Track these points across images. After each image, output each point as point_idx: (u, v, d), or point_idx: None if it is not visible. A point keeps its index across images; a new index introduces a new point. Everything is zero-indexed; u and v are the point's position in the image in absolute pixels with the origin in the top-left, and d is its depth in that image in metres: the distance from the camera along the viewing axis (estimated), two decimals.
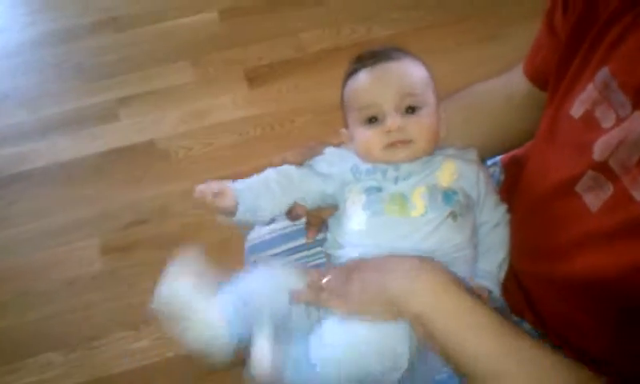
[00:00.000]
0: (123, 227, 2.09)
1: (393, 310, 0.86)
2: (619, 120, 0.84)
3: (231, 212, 0.98)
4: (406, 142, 0.99)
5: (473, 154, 1.05)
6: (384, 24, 2.62)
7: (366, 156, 1.02)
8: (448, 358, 0.85)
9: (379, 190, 0.98)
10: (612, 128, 0.84)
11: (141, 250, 2.04)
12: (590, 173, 0.86)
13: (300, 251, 1.19)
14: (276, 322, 0.90)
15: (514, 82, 1.14)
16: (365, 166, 1.01)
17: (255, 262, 1.24)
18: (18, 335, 1.89)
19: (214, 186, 0.98)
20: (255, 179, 1.01)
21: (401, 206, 0.96)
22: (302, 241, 1.17)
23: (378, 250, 0.95)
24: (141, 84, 2.47)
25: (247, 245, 1.28)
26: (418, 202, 0.96)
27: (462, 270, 0.95)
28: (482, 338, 0.83)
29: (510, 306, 1.05)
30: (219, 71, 2.52)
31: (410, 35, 2.55)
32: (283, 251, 1.21)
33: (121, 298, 1.94)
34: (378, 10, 2.67)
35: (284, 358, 0.87)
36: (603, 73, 0.87)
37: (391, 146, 0.99)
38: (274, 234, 1.23)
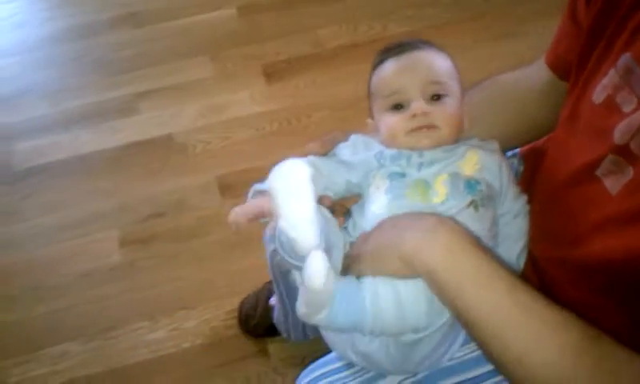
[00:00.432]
0: (142, 220, 2.11)
1: (407, 267, 0.86)
2: None
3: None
4: (431, 128, 1.00)
5: (494, 145, 1.06)
6: (400, 21, 2.63)
7: (391, 142, 1.02)
8: (460, 317, 0.84)
9: (402, 175, 0.99)
10: (633, 112, 0.85)
11: (159, 242, 2.06)
12: (611, 157, 0.87)
13: None
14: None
15: (536, 73, 1.16)
16: (390, 152, 1.01)
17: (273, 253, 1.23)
18: (33, 327, 1.91)
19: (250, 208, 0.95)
20: None
21: (423, 193, 0.97)
22: None
23: None
24: (160, 79, 2.49)
25: (267, 233, 1.28)
26: (440, 189, 0.97)
27: None
28: (497, 298, 0.81)
29: None
30: (237, 66, 2.54)
31: (426, 32, 2.55)
32: None
33: (138, 289, 1.97)
34: (395, 7, 2.68)
35: (336, 285, 0.86)
36: (625, 58, 0.88)
37: (415, 131, 1.00)
38: None
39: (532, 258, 1.04)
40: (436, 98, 1.02)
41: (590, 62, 0.96)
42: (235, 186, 2.16)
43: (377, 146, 1.03)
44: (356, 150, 1.05)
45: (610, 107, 0.89)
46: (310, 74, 2.49)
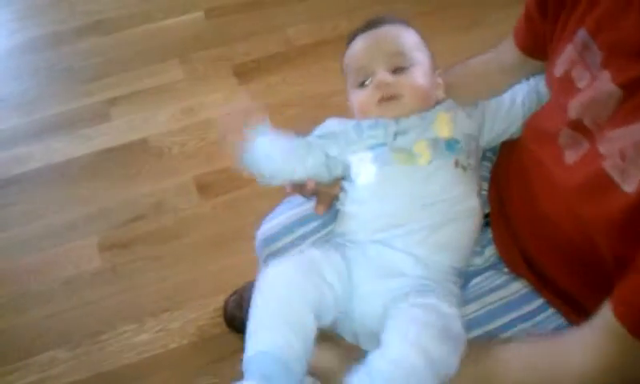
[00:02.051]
0: (120, 224, 2.12)
1: None
2: (593, 79, 0.90)
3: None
4: (396, 97, 1.06)
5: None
6: (367, 16, 2.63)
7: (362, 115, 1.08)
8: None
9: (383, 144, 1.03)
10: (586, 88, 0.91)
11: (139, 245, 2.07)
12: (567, 130, 0.92)
13: (314, 234, 1.19)
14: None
15: (505, 53, 1.20)
16: (367, 123, 1.06)
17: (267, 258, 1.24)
18: (20, 335, 1.90)
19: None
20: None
21: (408, 157, 1.01)
22: (315, 224, 1.19)
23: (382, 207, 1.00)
24: (131, 84, 2.50)
25: (259, 238, 1.26)
26: (423, 152, 1.01)
27: (469, 229, 1.01)
28: None
29: (509, 265, 1.10)
30: (208, 69, 2.55)
31: None
32: (297, 238, 1.19)
33: (122, 293, 1.97)
34: (361, 2, 2.70)
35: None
36: (582, 33, 0.93)
37: (382, 101, 1.06)
38: (285, 223, 1.22)
39: (511, 229, 1.09)
40: (400, 70, 1.07)
41: (554, 37, 1.01)
42: (213, 186, 2.17)
43: (352, 121, 1.08)
44: (331, 126, 1.10)
45: (567, 82, 0.95)
46: (281, 73, 2.51)
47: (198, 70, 2.55)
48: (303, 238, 1.19)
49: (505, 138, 1.14)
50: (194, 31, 2.70)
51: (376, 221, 1.01)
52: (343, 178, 1.09)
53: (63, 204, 2.18)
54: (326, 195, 1.12)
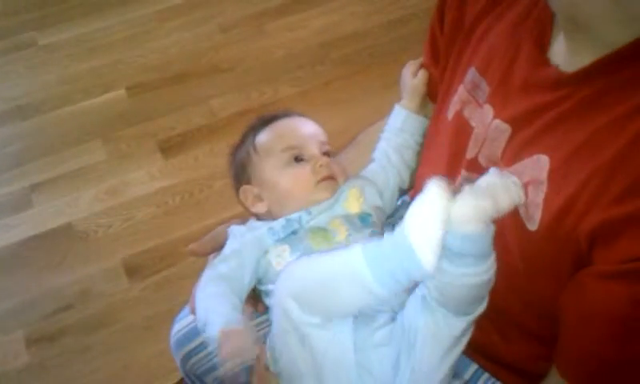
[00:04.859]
0: (47, 316, 2.02)
1: None
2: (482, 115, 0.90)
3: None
4: (333, 178, 1.04)
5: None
6: (290, 82, 2.65)
7: (296, 193, 1.03)
8: None
9: (296, 232, 0.99)
10: (479, 125, 0.91)
11: (67, 336, 1.98)
12: (464, 173, 0.92)
13: None
14: None
15: None
16: (279, 224, 1.01)
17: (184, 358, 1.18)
18: None
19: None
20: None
21: (324, 237, 0.98)
22: None
23: None
24: (52, 168, 2.43)
25: (172, 340, 1.21)
26: (339, 229, 0.99)
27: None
28: None
29: None
30: (132, 146, 2.50)
31: (318, 90, 2.60)
32: None
33: None
34: (284, 70, 2.71)
35: None
36: (471, 73, 0.93)
37: (322, 181, 1.03)
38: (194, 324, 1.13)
39: None
40: (327, 155, 1.08)
41: (445, 80, 1.02)
42: (141, 267, 2.10)
43: (262, 224, 1.02)
44: (242, 234, 1.03)
45: (460, 123, 0.94)
46: (207, 145, 2.47)
47: (121, 148, 2.49)
48: None
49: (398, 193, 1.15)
50: (116, 109, 2.65)
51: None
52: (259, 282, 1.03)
53: None
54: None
